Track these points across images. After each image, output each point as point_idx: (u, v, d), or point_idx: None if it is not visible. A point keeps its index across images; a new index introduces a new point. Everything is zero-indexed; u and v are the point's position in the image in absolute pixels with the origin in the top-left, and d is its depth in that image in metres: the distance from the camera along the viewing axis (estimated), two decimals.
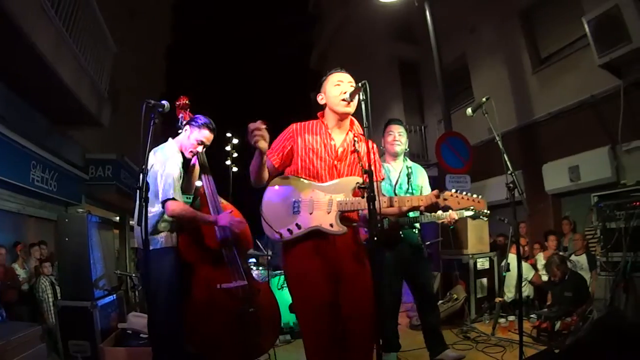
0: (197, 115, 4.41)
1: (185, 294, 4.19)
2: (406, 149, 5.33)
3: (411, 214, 4.94)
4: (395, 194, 4.96)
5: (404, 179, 5.13)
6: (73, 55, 8.29)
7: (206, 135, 4.37)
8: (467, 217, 4.92)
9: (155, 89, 18.65)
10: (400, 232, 5.00)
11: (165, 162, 4.10)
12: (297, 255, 3.25)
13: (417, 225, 5.15)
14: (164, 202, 3.98)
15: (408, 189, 5.12)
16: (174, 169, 4.10)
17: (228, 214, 4.24)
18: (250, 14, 40.22)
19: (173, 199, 3.97)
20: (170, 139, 4.42)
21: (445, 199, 3.20)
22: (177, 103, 4.67)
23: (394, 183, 5.11)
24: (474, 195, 3.24)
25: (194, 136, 4.34)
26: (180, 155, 4.31)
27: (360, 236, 3.53)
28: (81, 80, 8.77)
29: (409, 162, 5.31)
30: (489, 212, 4.75)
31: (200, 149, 4.40)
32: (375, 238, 2.80)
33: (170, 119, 4.60)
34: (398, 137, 5.20)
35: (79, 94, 8.58)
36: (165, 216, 4.10)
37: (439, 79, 10.38)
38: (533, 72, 11.15)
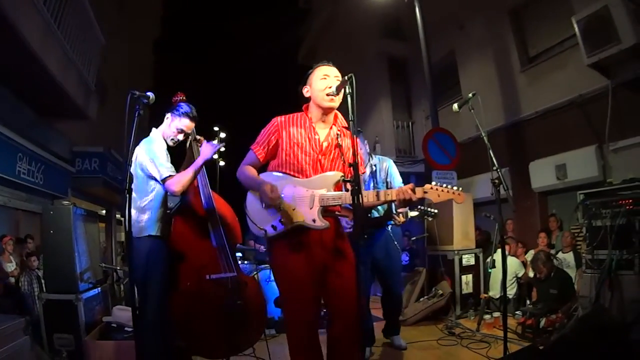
0: (180, 104, 4.38)
1: (175, 283, 4.19)
2: (367, 151, 5.43)
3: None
4: None
5: (369, 179, 5.19)
6: (61, 46, 8.24)
7: (186, 124, 4.36)
8: (412, 217, 5.15)
9: (143, 82, 18.59)
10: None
11: (151, 147, 4.11)
12: (282, 250, 3.27)
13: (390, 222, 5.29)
14: (164, 182, 4.01)
15: (374, 187, 5.20)
16: (160, 150, 4.11)
17: (210, 144, 4.25)
18: (239, 8, 40.20)
19: (170, 176, 3.99)
20: (153, 128, 4.40)
21: (425, 192, 3.21)
22: (174, 99, 4.64)
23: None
24: (454, 188, 3.26)
25: (174, 124, 4.32)
26: (164, 141, 4.30)
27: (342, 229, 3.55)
28: (68, 72, 8.72)
29: (373, 160, 5.38)
30: (436, 211, 5.04)
31: (180, 137, 4.39)
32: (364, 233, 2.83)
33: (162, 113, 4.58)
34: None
35: (66, 86, 8.54)
36: (160, 203, 4.14)
37: (427, 75, 10.42)
38: (521, 70, 11.17)
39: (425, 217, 5.13)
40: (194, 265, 4.26)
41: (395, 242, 5.42)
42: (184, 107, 4.35)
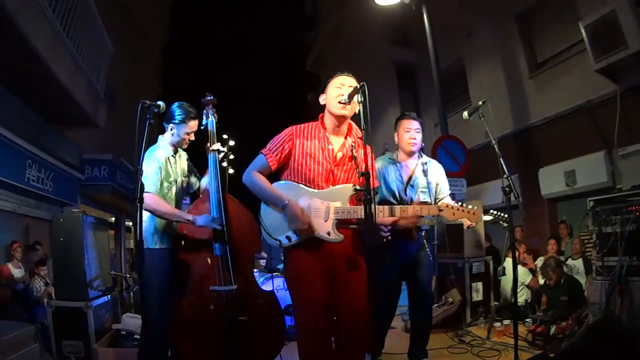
0: (172, 110, 4.32)
1: (180, 294, 4.10)
2: (422, 144, 5.10)
3: None
4: (406, 193, 4.80)
5: (420, 174, 4.88)
6: (70, 54, 8.29)
7: (192, 125, 4.38)
8: (486, 221, 4.94)
9: (152, 89, 18.66)
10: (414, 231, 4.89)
11: (147, 158, 4.08)
12: (296, 258, 3.29)
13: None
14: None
15: (424, 185, 4.89)
16: (152, 163, 4.10)
17: (207, 216, 4.14)
18: (247, 15, 40.28)
19: (147, 192, 3.90)
20: (160, 136, 4.43)
21: (440, 210, 3.18)
22: (204, 100, 4.62)
23: (405, 181, 4.86)
24: (469, 207, 3.22)
25: (182, 132, 4.33)
26: (164, 150, 4.32)
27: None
28: (78, 80, 8.77)
29: (425, 158, 5.10)
30: (507, 216, 4.76)
31: (192, 137, 4.43)
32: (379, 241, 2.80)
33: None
34: (415, 134, 4.95)
35: (75, 94, 8.58)
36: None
37: (436, 82, 10.38)
38: (530, 77, 11.16)
39: (500, 222, 5.02)
40: (196, 276, 4.13)
41: (428, 249, 5.04)
42: (180, 111, 4.32)
